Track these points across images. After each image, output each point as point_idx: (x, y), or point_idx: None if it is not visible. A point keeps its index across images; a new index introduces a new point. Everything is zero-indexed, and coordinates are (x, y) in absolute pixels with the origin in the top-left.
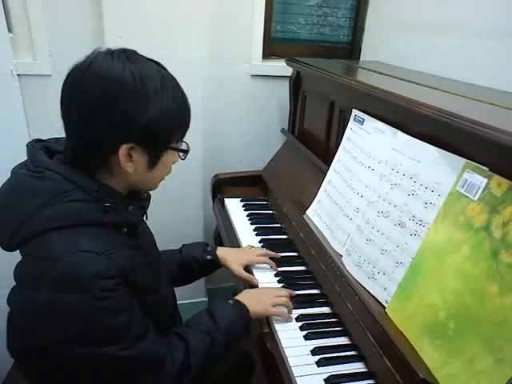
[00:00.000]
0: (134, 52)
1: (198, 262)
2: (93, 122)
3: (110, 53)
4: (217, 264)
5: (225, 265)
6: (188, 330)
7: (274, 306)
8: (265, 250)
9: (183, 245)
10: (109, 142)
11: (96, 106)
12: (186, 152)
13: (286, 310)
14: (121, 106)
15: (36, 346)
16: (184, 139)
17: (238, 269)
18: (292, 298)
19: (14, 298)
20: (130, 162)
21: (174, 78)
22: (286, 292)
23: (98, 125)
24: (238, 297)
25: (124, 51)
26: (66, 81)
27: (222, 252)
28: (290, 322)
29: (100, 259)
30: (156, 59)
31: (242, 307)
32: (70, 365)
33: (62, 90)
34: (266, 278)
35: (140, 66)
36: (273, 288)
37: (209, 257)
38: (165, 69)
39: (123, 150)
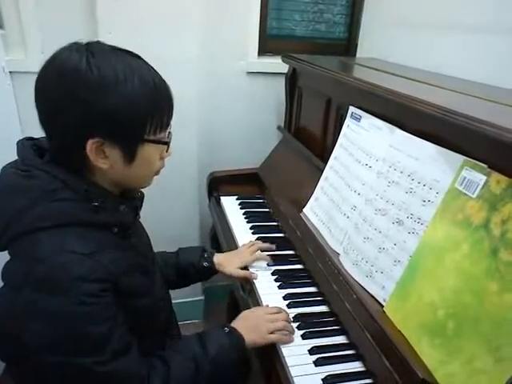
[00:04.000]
0: (97, 43)
1: (195, 268)
2: (55, 119)
3: (73, 47)
4: (213, 271)
5: (220, 271)
6: (173, 355)
7: (271, 332)
8: (257, 245)
9: (179, 248)
10: (75, 139)
11: (55, 102)
12: (165, 144)
13: (286, 332)
14: (78, 98)
15: (19, 350)
16: (173, 133)
17: (233, 271)
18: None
19: (0, 299)
20: (103, 158)
21: (147, 67)
22: (283, 315)
23: (61, 121)
24: (234, 324)
25: (88, 44)
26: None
27: (217, 259)
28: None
29: (86, 261)
30: (149, 56)
31: (236, 335)
32: (45, 373)
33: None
34: (263, 276)
35: (100, 55)
36: (268, 309)
37: (206, 264)
38: (140, 58)
39: (90, 145)
